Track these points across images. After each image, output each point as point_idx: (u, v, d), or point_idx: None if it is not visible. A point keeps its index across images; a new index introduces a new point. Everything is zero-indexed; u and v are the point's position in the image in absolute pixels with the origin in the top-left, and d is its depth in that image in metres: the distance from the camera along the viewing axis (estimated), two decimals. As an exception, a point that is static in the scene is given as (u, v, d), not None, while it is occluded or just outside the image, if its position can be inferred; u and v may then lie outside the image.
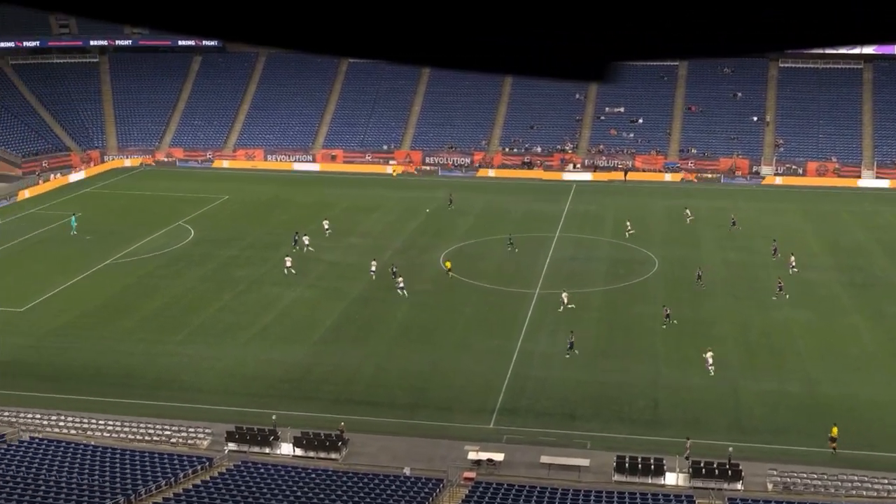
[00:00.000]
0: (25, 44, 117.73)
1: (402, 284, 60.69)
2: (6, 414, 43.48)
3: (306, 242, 70.52)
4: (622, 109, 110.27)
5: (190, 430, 41.72)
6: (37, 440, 40.28)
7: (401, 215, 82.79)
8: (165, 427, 41.86)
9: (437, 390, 46.52)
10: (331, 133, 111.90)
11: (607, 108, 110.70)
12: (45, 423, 42.59)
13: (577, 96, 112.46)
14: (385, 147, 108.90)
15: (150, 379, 47.96)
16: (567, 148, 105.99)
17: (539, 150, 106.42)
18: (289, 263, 65.38)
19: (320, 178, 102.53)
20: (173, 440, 41.13)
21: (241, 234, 75.65)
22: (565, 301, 57.36)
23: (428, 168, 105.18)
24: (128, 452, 39.12)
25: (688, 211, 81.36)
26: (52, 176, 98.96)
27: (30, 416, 43.28)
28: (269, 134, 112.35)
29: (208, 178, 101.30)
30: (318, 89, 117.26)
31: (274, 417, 42.13)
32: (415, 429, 42.73)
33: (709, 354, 48.66)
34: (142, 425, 41.99)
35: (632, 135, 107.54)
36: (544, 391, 46.27)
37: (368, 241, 73.46)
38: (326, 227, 75.89)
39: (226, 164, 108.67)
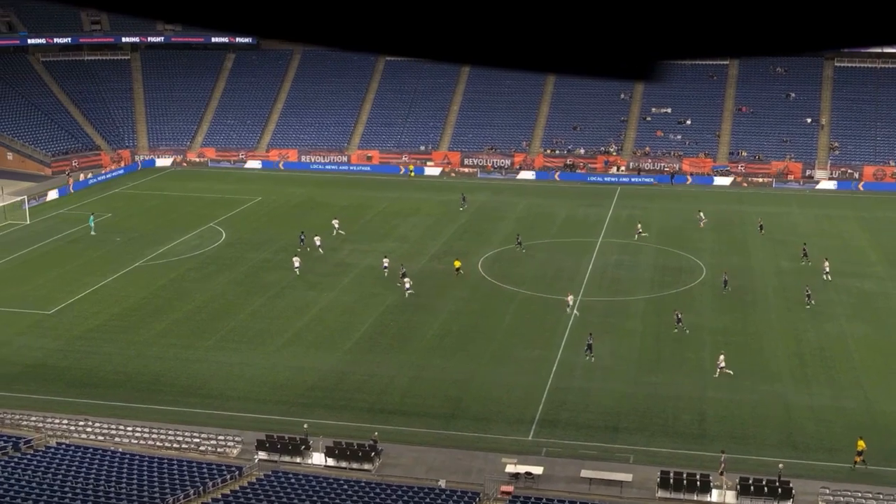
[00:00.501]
0: (56, 40, 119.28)
1: (409, 286, 61.55)
2: (33, 418, 44.01)
3: (317, 243, 71.32)
4: (669, 110, 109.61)
5: (219, 438, 41.98)
6: (63, 446, 40.73)
7: (439, 219, 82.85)
8: (194, 434, 42.15)
9: (474, 400, 46.47)
10: (367, 133, 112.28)
11: (654, 109, 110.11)
12: (72, 428, 43.04)
13: (623, 96, 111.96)
14: (422, 148, 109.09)
15: (180, 385, 48.37)
16: (611, 150, 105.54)
17: (582, 151, 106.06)
18: (297, 264, 66.44)
19: (356, 179, 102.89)
20: (202, 448, 41.41)
21: (273, 236, 76.09)
22: (570, 303, 58.15)
23: (467, 170, 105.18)
24: (156, 460, 39.44)
25: (701, 214, 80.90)
26: (81, 175, 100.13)
27: (57, 421, 43.78)
28: (304, 134, 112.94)
29: (240, 179, 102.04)
30: (353, 88, 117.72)
31: (306, 426, 42.29)
32: (451, 440, 42.71)
33: (721, 357, 49.30)
34: (170, 432, 42.31)
35: (679, 136, 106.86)
36: (586, 402, 46.06)
37: (405, 246, 73.61)
38: (336, 226, 76.77)
39: (258, 164, 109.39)
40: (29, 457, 39.49)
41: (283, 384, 48.33)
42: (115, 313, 58.93)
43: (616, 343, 53.66)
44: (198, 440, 41.75)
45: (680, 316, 55.43)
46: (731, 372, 48.96)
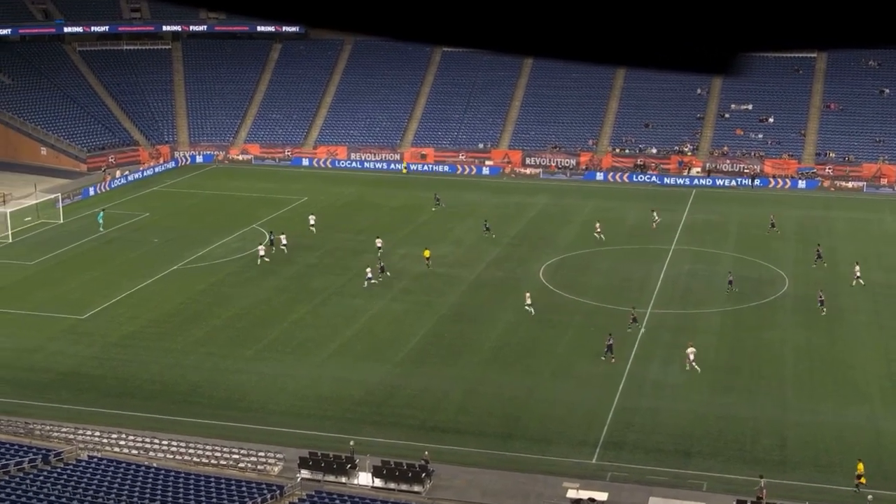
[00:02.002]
0: (94, 29, 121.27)
1: (370, 275, 64.85)
2: (64, 429, 44.69)
3: (283, 241, 72.90)
4: (750, 107, 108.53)
5: (260, 454, 42.27)
6: (95, 459, 41.28)
7: (498, 222, 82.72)
8: (233, 450, 42.49)
9: (534, 419, 46.33)
10: (421, 129, 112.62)
11: (733, 105, 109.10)
12: (104, 441, 43.61)
13: (699, 91, 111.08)
14: (481, 146, 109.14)
15: (218, 397, 48.83)
16: (686, 149, 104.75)
17: (654, 151, 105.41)
18: (262, 252, 70.18)
19: (408, 179, 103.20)
20: (241, 465, 41.73)
21: (320, 239, 76.56)
22: (528, 301, 59.62)
23: (528, 171, 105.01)
24: (192, 476, 39.80)
25: (655, 214, 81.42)
26: (118, 172, 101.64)
27: (89, 432, 44.40)
28: (354, 130, 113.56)
29: (286, 178, 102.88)
30: (408, 81, 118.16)
31: (352, 443, 42.44)
32: (507, 461, 42.60)
33: (690, 351, 51.27)
34: (207, 447, 42.69)
35: (760, 135, 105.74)
36: (655, 424, 45.71)
37: (460, 251, 73.67)
38: (312, 222, 78.44)
39: (305, 161, 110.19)
40: (59, 470, 40.09)
41: (329, 398, 48.57)
42: (152, 319, 59.70)
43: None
44: (237, 456, 42.09)
45: (635, 315, 55.91)
46: (698, 369, 50.66)
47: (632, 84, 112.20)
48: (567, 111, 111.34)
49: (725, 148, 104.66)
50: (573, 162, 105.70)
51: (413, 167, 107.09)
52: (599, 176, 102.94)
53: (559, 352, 54.17)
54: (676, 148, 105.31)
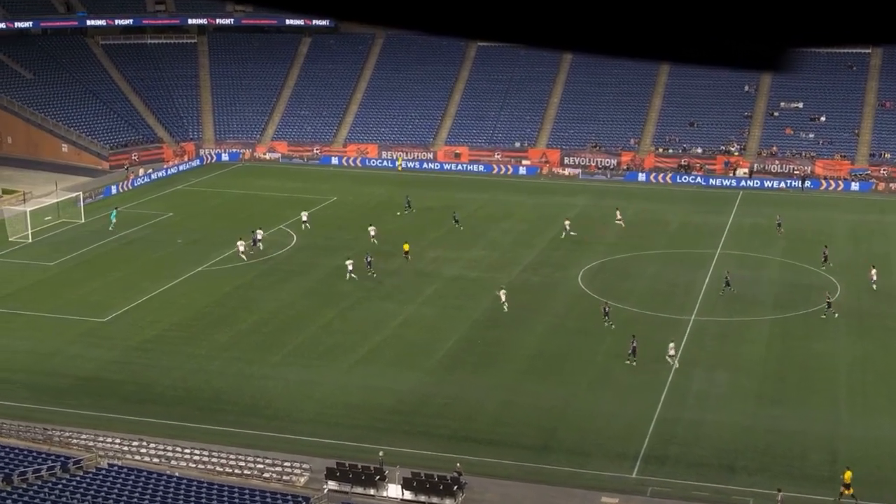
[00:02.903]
0: (117, 22, 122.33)
1: (351, 268, 66.66)
2: (83, 436, 45.03)
3: (259, 236, 75.08)
4: (800, 105, 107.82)
5: (285, 464, 42.42)
6: (116, 468, 41.55)
7: (534, 224, 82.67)
8: (258, 459, 42.65)
9: (571, 431, 46.22)
10: (455, 127, 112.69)
11: (782, 103, 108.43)
12: (125, 448, 43.91)
13: (747, 88, 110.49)
14: (517, 144, 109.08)
15: (243, 404, 49.05)
16: (733, 149, 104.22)
17: (699, 151, 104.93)
18: (241, 248, 72.03)
19: (441, 179, 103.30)
20: (266, 475, 41.89)
21: (349, 241, 76.72)
22: (503, 299, 60.89)
23: (567, 172, 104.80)
24: (215, 487, 39.98)
25: (618, 212, 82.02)
26: (141, 170, 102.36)
27: (109, 440, 44.72)
28: (385, 127, 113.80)
29: (314, 177, 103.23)
30: (441, 76, 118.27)
31: (381, 454, 42.49)
32: (543, 475, 42.52)
33: (671, 346, 53.08)
34: (231, 456, 42.89)
35: (812, 135, 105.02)
36: (698, 437, 45.47)
37: (495, 255, 73.66)
38: (304, 219, 79.73)
39: (335, 160, 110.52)
40: (78, 479, 40.39)
41: (357, 406, 48.66)
42: (175, 323, 60.06)
43: (734, 369, 52.92)
44: (262, 466, 42.25)
45: (607, 309, 56.37)
46: (677, 364, 52.00)
47: (676, 81, 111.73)
48: (608, 109, 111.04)
49: (774, 148, 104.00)
50: (614, 162, 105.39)
51: (447, 166, 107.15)
52: (641, 177, 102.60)
53: (598, 360, 54.00)
54: (723, 148, 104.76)
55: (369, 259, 68.64)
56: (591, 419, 47.18)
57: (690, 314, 60.85)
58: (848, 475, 40.38)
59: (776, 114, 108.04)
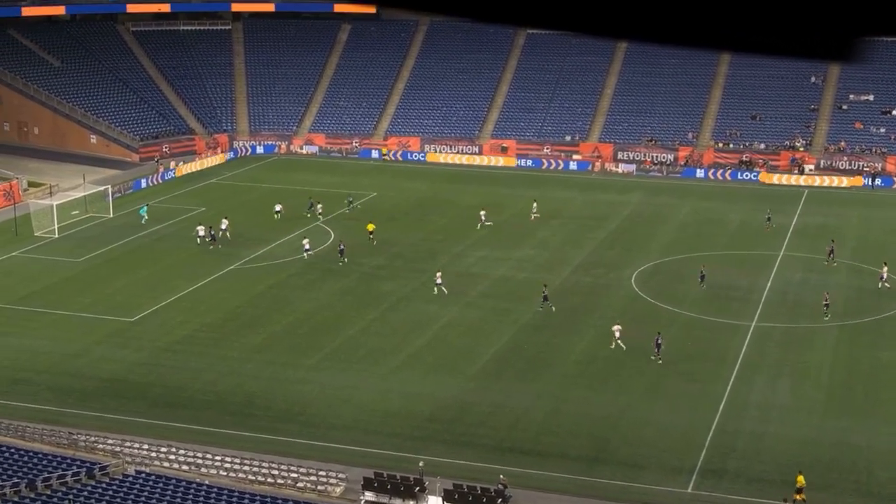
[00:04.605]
0: (149, 8, 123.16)
1: (307, 247, 71.82)
2: (110, 441, 45.43)
3: (223, 226, 77.27)
4: (871, 97, 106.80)
5: (320, 473, 42.56)
6: (143, 474, 41.89)
7: (585, 223, 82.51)
8: (291, 468, 42.82)
9: (623, 442, 46.07)
10: (502, 120, 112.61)
11: (852, 96, 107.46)
12: (153, 454, 44.23)
13: (813, 80, 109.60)
14: (568, 138, 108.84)
15: (277, 409, 49.28)
16: (798, 145, 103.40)
17: (762, 146, 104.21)
18: (201, 232, 75.38)
19: (487, 174, 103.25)
20: (300, 484, 42.06)
21: (389, 239, 76.90)
22: (438, 280, 64.30)
23: (620, 170, 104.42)
24: (247, 496, 40.21)
25: (535, 205, 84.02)
26: (172, 163, 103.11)
27: (136, 445, 45.08)
28: (428, 119, 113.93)
29: (353, 171, 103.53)
30: (488, 66, 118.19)
31: (421, 464, 42.53)
32: (593, 488, 42.41)
33: (616, 328, 55.81)
34: (264, 464, 43.09)
35: (883, 130, 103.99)
36: (759, 450, 45.16)
37: (544, 255, 73.58)
38: (278, 209, 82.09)
39: (374, 154, 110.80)
40: (104, 485, 40.77)
41: (397, 413, 48.75)
42: (206, 323, 60.46)
43: (798, 378, 52.56)
44: (295, 475, 42.41)
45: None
46: (623, 346, 54.54)
47: (737, 71, 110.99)
48: (664, 101, 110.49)
49: (843, 143, 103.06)
50: (670, 157, 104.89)
51: (493, 161, 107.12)
52: (700, 173, 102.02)
53: (652, 368, 53.77)
54: (787, 143, 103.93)
55: (342, 248, 71.77)
56: (645, 429, 46.98)
57: (751, 320, 60.46)
58: (801, 479, 40.73)
59: (845, 107, 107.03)
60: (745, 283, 67.38)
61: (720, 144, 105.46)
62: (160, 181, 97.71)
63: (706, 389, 50.96)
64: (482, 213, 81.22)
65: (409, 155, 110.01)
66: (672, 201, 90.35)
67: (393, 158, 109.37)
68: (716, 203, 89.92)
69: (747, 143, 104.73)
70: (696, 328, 59.43)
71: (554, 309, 61.19)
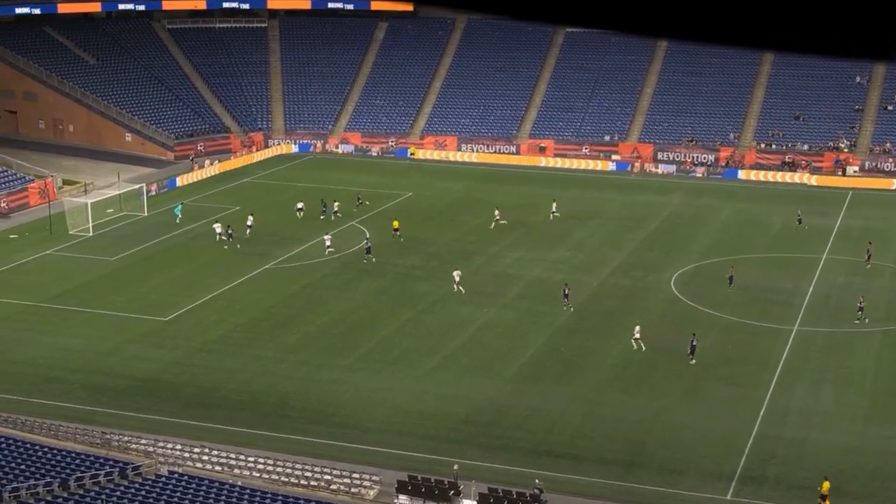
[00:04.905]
0: (185, 5, 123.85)
1: (329, 243, 72.76)
2: (143, 441, 45.72)
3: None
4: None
5: (354, 475, 42.64)
6: (176, 475, 42.11)
7: (624, 224, 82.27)
8: (325, 470, 42.91)
9: (661, 446, 45.90)
10: (540, 119, 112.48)
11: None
12: (186, 455, 44.48)
13: (858, 79, 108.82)
14: (607, 138, 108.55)
15: (310, 410, 49.43)
16: (842, 145, 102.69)
17: (805, 147, 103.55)
18: (218, 230, 76.10)
19: (525, 174, 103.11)
20: (333, 487, 42.16)
21: (425, 239, 77.01)
22: (457, 279, 64.86)
23: (660, 171, 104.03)
24: (280, 497, 40.33)
25: (554, 205, 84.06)
26: (206, 161, 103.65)
27: (170, 445, 45.34)
28: (465, 118, 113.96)
29: (389, 171, 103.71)
30: (526, 65, 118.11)
31: (455, 467, 42.55)
32: (630, 493, 42.27)
33: (636, 329, 55.87)
34: (297, 466, 43.22)
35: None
36: (801, 457, 44.88)
37: (580, 256, 73.44)
38: (299, 206, 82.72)
39: (403, 153, 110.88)
40: (137, 486, 41.02)
41: (431, 415, 48.79)
42: (240, 323, 60.74)
43: (840, 385, 52.18)
44: (329, 477, 42.51)
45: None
46: (643, 347, 54.59)
47: (780, 70, 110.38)
48: (705, 101, 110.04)
49: (888, 145, 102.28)
50: (711, 158, 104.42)
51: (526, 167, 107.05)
52: (741, 174, 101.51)
53: (691, 371, 53.53)
54: (831, 144, 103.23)
55: (368, 245, 73.11)
56: (683, 434, 46.79)
57: (793, 324, 60.08)
58: (826, 486, 40.42)
59: (890, 107, 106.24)
60: (787, 286, 66.98)
61: (762, 145, 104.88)
62: (195, 180, 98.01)
63: (746, 394, 50.70)
64: (496, 212, 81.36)
65: (437, 154, 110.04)
66: (713, 202, 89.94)
67: (420, 159, 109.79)
68: (757, 205, 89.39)
69: (790, 144, 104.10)
70: (736, 332, 59.14)
71: (571, 309, 61.74)
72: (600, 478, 43.30)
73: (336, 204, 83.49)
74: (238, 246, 74.63)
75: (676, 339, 56.79)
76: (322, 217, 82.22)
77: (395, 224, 77.70)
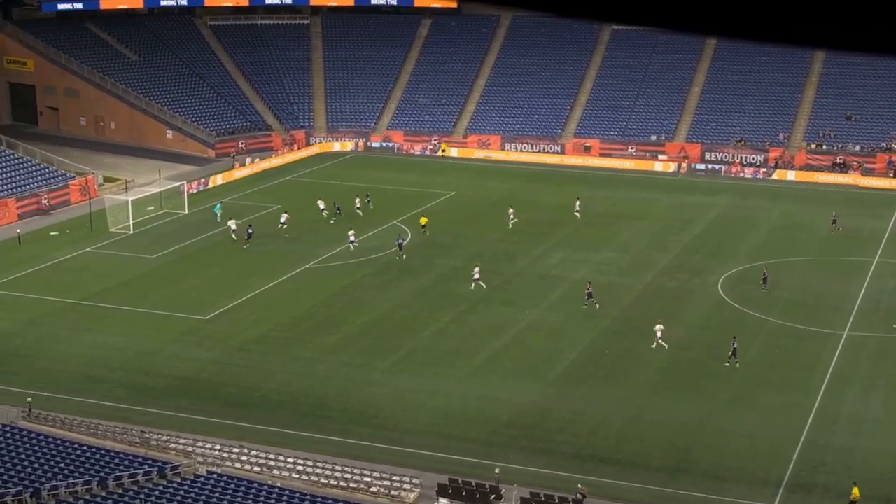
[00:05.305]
0: (227, 2, 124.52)
1: (352, 238, 73.68)
2: (182, 441, 46.05)
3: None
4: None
5: (394, 478, 42.71)
6: (215, 475, 42.38)
7: (670, 225, 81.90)
8: (364, 472, 43.03)
9: (706, 452, 45.69)
10: (585, 118, 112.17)
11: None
12: (224, 455, 44.75)
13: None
14: (654, 138, 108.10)
15: (350, 411, 49.55)
16: (895, 146, 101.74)
17: (857, 148, 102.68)
18: (233, 226, 77.21)
19: (570, 174, 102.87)
20: (373, 489, 42.25)
21: (468, 240, 76.99)
22: (476, 276, 65.74)
23: (703, 169, 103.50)
24: (319, 499, 40.49)
25: (578, 203, 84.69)
26: (248, 159, 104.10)
27: (208, 445, 45.63)
28: (509, 117, 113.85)
29: (432, 170, 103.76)
30: (572, 63, 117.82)
31: (497, 471, 42.53)
32: (674, 499, 42.09)
33: (658, 327, 56.22)
34: (336, 467, 43.36)
35: None
36: (849, 464, 44.52)
37: (626, 257, 73.17)
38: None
39: (454, 152, 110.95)
40: (175, 485, 41.31)
41: (473, 418, 48.79)
42: (280, 322, 60.99)
43: (891, 391, 51.76)
44: (368, 479, 42.62)
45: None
46: (665, 345, 55.14)
47: (832, 69, 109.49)
48: (754, 100, 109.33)
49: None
50: (760, 158, 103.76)
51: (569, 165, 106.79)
52: (791, 175, 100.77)
53: (738, 376, 53.22)
54: (884, 144, 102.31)
55: (400, 241, 73.43)
56: (729, 440, 46.56)
57: (843, 329, 59.59)
58: (855, 491, 40.16)
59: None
60: (836, 290, 66.45)
61: (813, 146, 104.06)
62: (236, 178, 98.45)
63: (794, 400, 50.36)
64: (510, 211, 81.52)
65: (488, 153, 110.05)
66: (762, 204, 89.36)
67: (451, 157, 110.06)
68: (807, 206, 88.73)
69: (841, 145, 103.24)
70: (784, 336, 58.76)
71: (592, 307, 62.11)
72: (644, 483, 43.15)
73: (358, 200, 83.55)
74: (245, 246, 74.89)
75: (723, 343, 56.44)
76: (333, 221, 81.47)
77: (423, 221, 78.62)
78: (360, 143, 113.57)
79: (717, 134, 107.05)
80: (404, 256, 71.91)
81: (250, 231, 76.01)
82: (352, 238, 73.88)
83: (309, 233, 78.06)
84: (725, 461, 44.87)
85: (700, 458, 45.23)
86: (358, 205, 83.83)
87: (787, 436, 46.76)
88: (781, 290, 66.27)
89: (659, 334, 56.18)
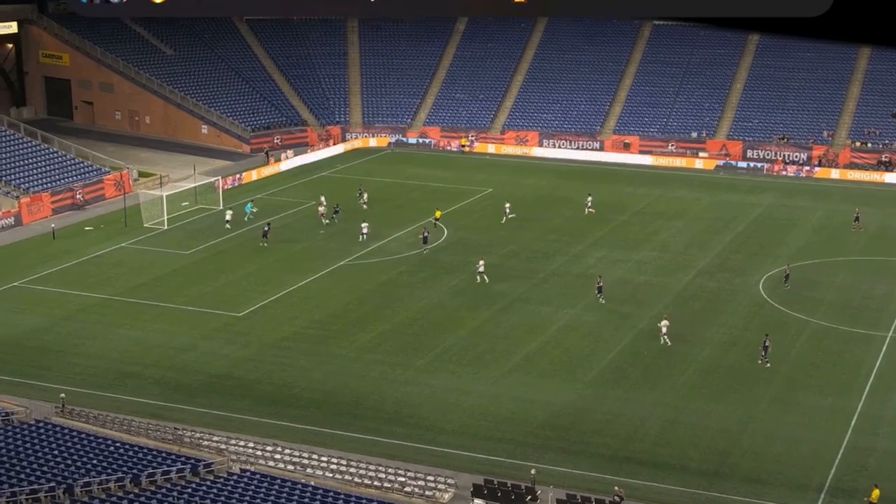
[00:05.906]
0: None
1: (364, 230, 75.45)
2: (215, 438, 46.28)
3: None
4: None
5: (428, 478, 42.77)
6: (248, 473, 42.56)
7: (711, 224, 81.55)
8: (399, 472, 43.12)
9: (746, 456, 45.48)
10: (625, 114, 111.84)
11: None
12: (258, 453, 44.95)
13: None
14: (694, 135, 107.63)
15: (385, 410, 49.67)
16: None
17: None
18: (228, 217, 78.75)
19: (608, 171, 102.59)
20: (408, 489, 42.31)
21: (505, 237, 76.96)
22: (480, 268, 66.90)
23: (743, 167, 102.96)
24: (353, 498, 40.59)
25: (589, 199, 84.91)
26: (283, 155, 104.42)
27: (242, 443, 45.85)
28: (547, 113, 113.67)
29: (469, 166, 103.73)
30: (611, 58, 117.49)
31: (533, 472, 42.53)
32: (713, 503, 41.97)
33: (663, 323, 56.62)
34: (371, 467, 43.47)
35: None
36: (894, 469, 44.22)
37: (666, 257, 72.92)
38: (322, 211, 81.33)
39: (491, 148, 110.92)
40: (209, 483, 41.51)
41: (508, 419, 48.78)
42: (315, 320, 61.19)
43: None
44: (403, 479, 42.69)
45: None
46: (669, 342, 55.79)
47: (877, 66, 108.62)
48: (798, 97, 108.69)
49: None
50: (804, 156, 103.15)
51: (609, 159, 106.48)
52: (835, 173, 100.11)
53: (779, 378, 52.96)
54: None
55: (425, 235, 74.19)
56: (770, 444, 46.33)
57: (887, 330, 59.15)
58: (876, 493, 40.07)
59: None
60: (881, 291, 65.98)
61: (857, 144, 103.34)
62: (270, 173, 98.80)
63: (837, 403, 50.07)
64: (507, 206, 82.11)
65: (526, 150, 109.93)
66: (805, 203, 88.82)
67: (470, 147, 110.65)
68: (851, 206, 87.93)
69: (887, 143, 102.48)
70: (826, 338, 58.39)
71: (603, 301, 63.07)
72: (682, 486, 43.03)
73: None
74: (263, 244, 74.76)
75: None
76: (336, 220, 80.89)
77: (437, 214, 79.51)
78: (395, 138, 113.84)
79: (760, 131, 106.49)
80: (426, 251, 72.50)
81: (266, 229, 76.09)
82: (364, 230, 75.33)
83: (342, 233, 78.17)
84: (766, 465, 44.67)
85: (740, 462, 45.02)
86: (364, 199, 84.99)
87: (830, 440, 46.49)
88: (825, 291, 65.86)
89: (664, 329, 56.44)
